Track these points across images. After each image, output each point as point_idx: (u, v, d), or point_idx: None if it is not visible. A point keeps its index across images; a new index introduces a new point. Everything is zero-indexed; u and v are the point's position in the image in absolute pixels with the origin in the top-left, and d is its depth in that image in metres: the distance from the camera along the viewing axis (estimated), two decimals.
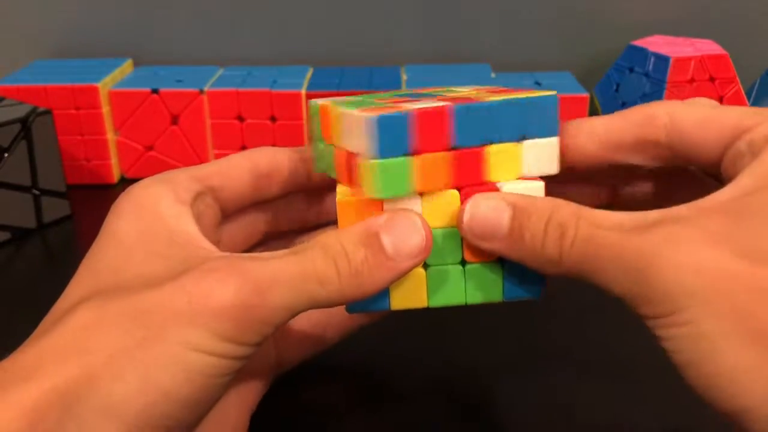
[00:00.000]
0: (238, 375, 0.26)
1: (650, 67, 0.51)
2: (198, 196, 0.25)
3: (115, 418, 0.19)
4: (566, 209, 0.21)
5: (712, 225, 0.20)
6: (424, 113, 0.22)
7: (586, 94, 0.53)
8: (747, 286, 0.19)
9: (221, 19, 0.61)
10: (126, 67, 0.58)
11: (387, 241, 0.22)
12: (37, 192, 0.47)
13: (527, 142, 0.24)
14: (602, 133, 0.25)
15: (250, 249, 0.29)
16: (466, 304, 0.24)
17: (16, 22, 0.61)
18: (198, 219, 0.24)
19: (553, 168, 0.24)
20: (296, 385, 0.31)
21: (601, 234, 0.21)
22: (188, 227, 0.23)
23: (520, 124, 0.24)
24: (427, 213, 0.23)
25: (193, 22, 0.61)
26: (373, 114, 0.22)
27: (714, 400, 0.19)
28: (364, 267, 0.22)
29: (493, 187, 0.24)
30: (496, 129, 0.23)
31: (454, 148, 0.23)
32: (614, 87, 0.55)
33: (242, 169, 0.26)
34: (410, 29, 0.62)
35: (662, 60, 0.50)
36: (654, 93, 0.51)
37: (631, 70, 0.53)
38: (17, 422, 0.18)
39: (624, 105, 0.53)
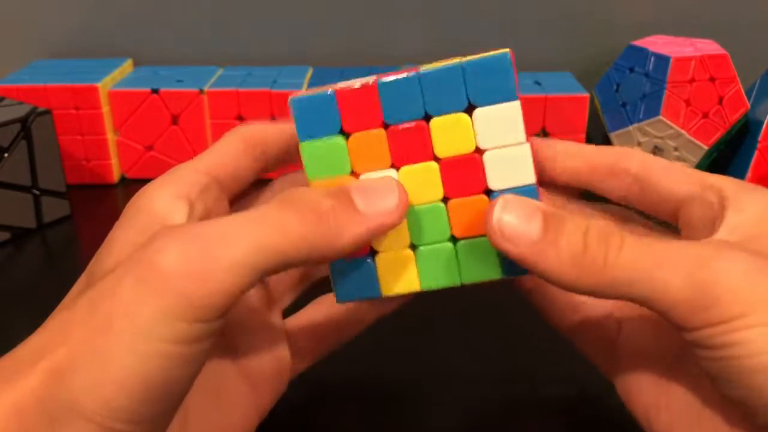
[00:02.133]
0: (247, 376, 0.26)
1: (650, 67, 0.51)
2: (205, 190, 0.24)
3: (78, 414, 0.19)
4: (603, 221, 0.21)
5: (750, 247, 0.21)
6: (346, 92, 0.22)
7: (586, 94, 0.53)
8: None
9: (221, 19, 0.61)
10: (126, 67, 0.58)
11: (358, 197, 0.21)
12: (37, 192, 0.47)
13: (478, 111, 0.22)
14: (587, 154, 0.25)
15: None
16: (461, 284, 0.23)
17: (16, 22, 0.61)
18: (206, 215, 0.24)
19: (518, 136, 0.22)
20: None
21: (654, 242, 0.20)
22: (170, 218, 0.22)
23: (464, 92, 0.22)
24: (406, 187, 0.22)
25: (193, 22, 0.61)
26: (295, 95, 0.22)
27: None
28: (330, 214, 0.20)
29: (474, 157, 0.22)
30: (434, 100, 0.22)
31: (388, 125, 0.22)
32: (614, 87, 0.55)
33: (237, 152, 0.25)
34: (410, 29, 0.62)
35: (662, 60, 0.50)
36: (654, 93, 0.51)
37: (631, 70, 0.53)
38: (1, 424, 0.18)
39: (624, 105, 0.53)
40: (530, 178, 0.22)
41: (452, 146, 0.22)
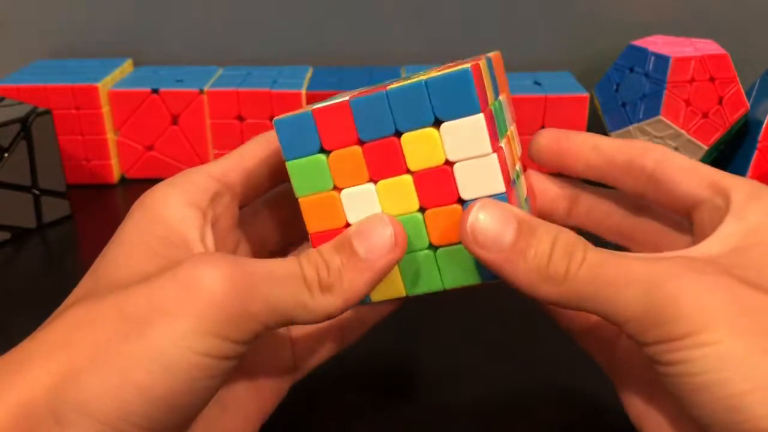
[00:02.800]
0: (252, 380, 0.26)
1: (650, 67, 0.51)
2: (215, 197, 0.25)
3: (89, 414, 0.19)
4: (572, 234, 0.22)
5: (720, 261, 0.21)
6: (322, 111, 0.23)
7: (586, 94, 0.53)
8: (763, 308, 0.19)
9: (221, 19, 0.61)
10: (126, 67, 0.58)
11: (358, 244, 0.22)
12: (37, 192, 0.47)
13: (444, 125, 0.22)
14: (605, 148, 0.26)
15: (280, 250, 0.29)
16: (444, 289, 0.24)
17: (16, 22, 0.61)
18: (215, 223, 0.24)
19: (483, 148, 0.22)
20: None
21: (613, 259, 0.21)
22: (188, 231, 0.23)
23: (430, 108, 0.22)
24: (384, 202, 0.23)
25: (193, 22, 0.61)
26: (279, 116, 0.23)
27: (738, 421, 0.18)
28: (342, 272, 0.22)
29: (445, 169, 0.23)
30: (402, 117, 0.23)
31: (363, 141, 0.23)
32: (614, 87, 0.55)
33: (257, 158, 0.26)
34: (410, 29, 0.62)
35: (662, 60, 0.50)
36: (654, 93, 0.51)
37: (631, 70, 0.53)
38: (4, 419, 0.18)
39: (624, 105, 0.53)
40: (500, 187, 0.23)
41: (423, 160, 0.23)
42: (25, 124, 0.45)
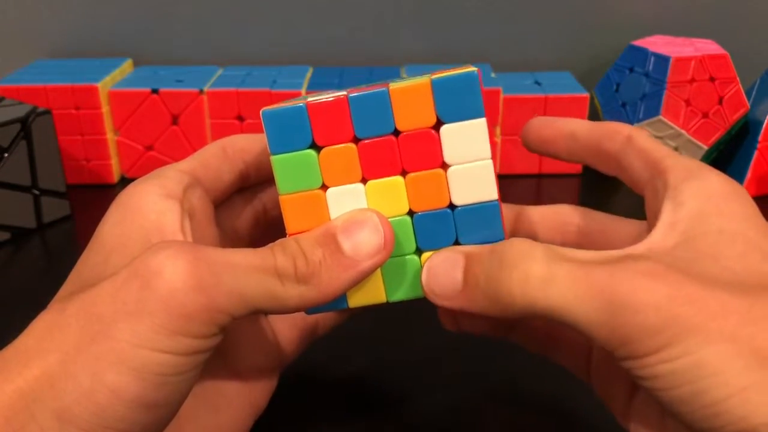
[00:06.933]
0: (240, 376, 0.26)
1: (650, 67, 0.51)
2: (188, 188, 0.24)
3: (68, 422, 0.18)
4: (518, 246, 0.21)
5: (675, 255, 0.20)
6: (317, 105, 0.22)
7: (586, 94, 0.53)
8: (734, 311, 0.19)
9: (221, 19, 0.61)
10: (126, 67, 0.58)
11: (344, 241, 0.22)
12: (37, 192, 0.47)
13: (445, 127, 0.22)
14: (580, 134, 0.25)
15: (255, 240, 0.29)
16: (425, 296, 0.23)
17: (16, 22, 0.61)
18: (192, 214, 0.24)
19: (483, 153, 0.22)
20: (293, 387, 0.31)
21: (562, 272, 0.20)
22: (168, 223, 0.23)
23: (433, 108, 0.22)
24: (372, 202, 0.23)
25: (193, 22, 0.61)
26: (267, 108, 0.22)
27: (720, 425, 0.18)
28: (321, 267, 0.21)
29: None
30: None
31: (359, 139, 0.22)
32: (614, 87, 0.55)
33: (218, 157, 0.26)
34: (410, 29, 0.62)
35: (662, 60, 0.50)
36: (654, 93, 0.51)
37: (631, 70, 0.53)
38: None
39: (624, 105, 0.53)
40: (492, 194, 0.23)
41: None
42: (25, 124, 0.45)
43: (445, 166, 0.22)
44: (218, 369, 0.26)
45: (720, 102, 0.50)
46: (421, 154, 0.22)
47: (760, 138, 0.50)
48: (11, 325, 0.21)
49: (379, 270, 0.23)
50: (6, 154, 0.44)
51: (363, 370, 0.33)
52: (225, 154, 0.26)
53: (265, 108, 0.22)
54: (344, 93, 0.23)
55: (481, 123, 0.22)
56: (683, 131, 0.50)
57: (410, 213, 0.23)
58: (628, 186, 0.25)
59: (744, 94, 0.51)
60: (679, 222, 0.21)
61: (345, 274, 0.21)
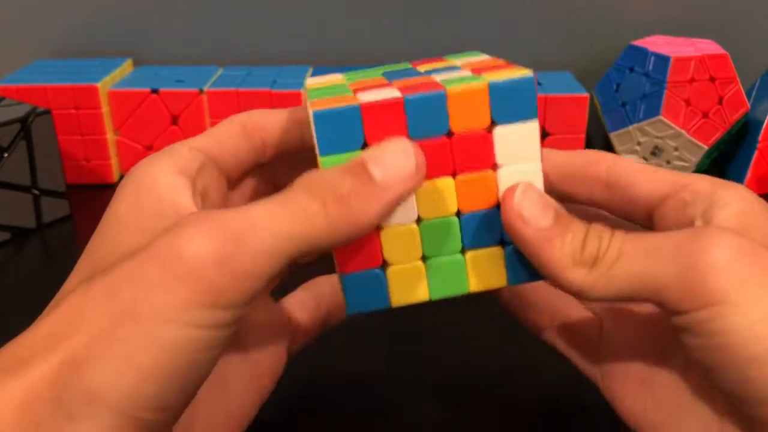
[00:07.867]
0: (250, 359, 0.26)
1: (650, 67, 0.51)
2: (202, 167, 0.24)
3: (99, 404, 0.18)
4: (601, 225, 0.22)
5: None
6: (371, 106, 0.22)
7: (586, 94, 0.53)
8: None
9: (221, 19, 0.61)
10: (126, 67, 0.58)
11: (374, 168, 0.21)
12: (36, 192, 0.47)
13: (499, 129, 0.22)
14: (557, 164, 0.25)
15: None
16: (468, 292, 0.23)
17: (16, 22, 0.61)
18: (205, 195, 0.24)
19: (533, 155, 0.23)
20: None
21: (644, 236, 0.21)
22: (181, 198, 0.22)
23: (488, 110, 0.22)
24: (422, 202, 0.23)
25: (193, 22, 0.61)
26: (318, 108, 0.21)
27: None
28: (351, 195, 0.20)
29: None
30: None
31: (412, 139, 0.22)
32: (614, 87, 0.55)
33: (234, 134, 0.25)
34: (410, 29, 0.62)
35: (662, 60, 0.50)
36: (654, 93, 0.51)
37: (631, 70, 0.53)
38: (8, 415, 0.18)
39: (624, 105, 0.53)
40: None
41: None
42: (24, 124, 0.45)
43: (495, 167, 0.23)
44: (229, 352, 0.25)
45: (720, 102, 0.50)
46: (473, 156, 0.22)
47: (760, 138, 0.50)
48: (11, 325, 0.21)
49: (423, 269, 0.23)
50: (6, 154, 0.44)
51: (363, 370, 0.33)
52: (245, 132, 0.25)
53: (315, 108, 0.22)
54: (396, 92, 0.22)
55: (533, 125, 0.22)
56: (683, 131, 0.50)
57: (457, 213, 0.23)
58: (616, 209, 0.25)
59: (744, 94, 0.51)
60: (730, 218, 0.22)
61: (378, 201, 0.20)
